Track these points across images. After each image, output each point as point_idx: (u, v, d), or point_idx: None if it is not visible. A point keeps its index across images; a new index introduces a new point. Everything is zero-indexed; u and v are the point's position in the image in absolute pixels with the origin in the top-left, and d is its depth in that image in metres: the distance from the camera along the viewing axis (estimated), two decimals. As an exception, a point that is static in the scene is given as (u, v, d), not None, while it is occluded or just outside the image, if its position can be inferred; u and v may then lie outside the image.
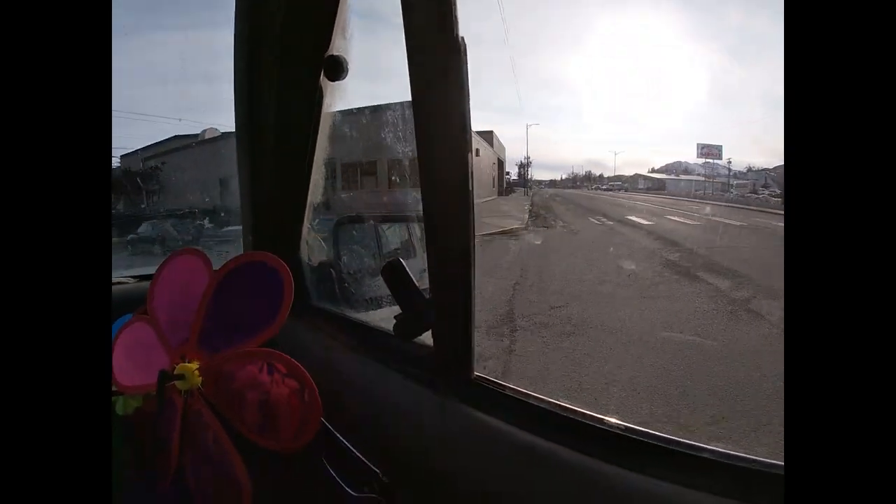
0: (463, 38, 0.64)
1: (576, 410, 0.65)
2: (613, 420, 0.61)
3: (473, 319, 0.72)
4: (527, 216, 12.95)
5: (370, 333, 1.00)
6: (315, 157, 1.01)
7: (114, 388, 0.99)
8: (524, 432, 0.65)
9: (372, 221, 1.55)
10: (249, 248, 1.19)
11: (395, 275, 0.73)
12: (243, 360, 0.86)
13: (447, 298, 0.72)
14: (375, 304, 1.09)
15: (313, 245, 1.16)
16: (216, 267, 0.94)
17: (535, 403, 0.69)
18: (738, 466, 0.50)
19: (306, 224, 1.11)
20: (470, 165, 0.65)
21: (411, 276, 0.74)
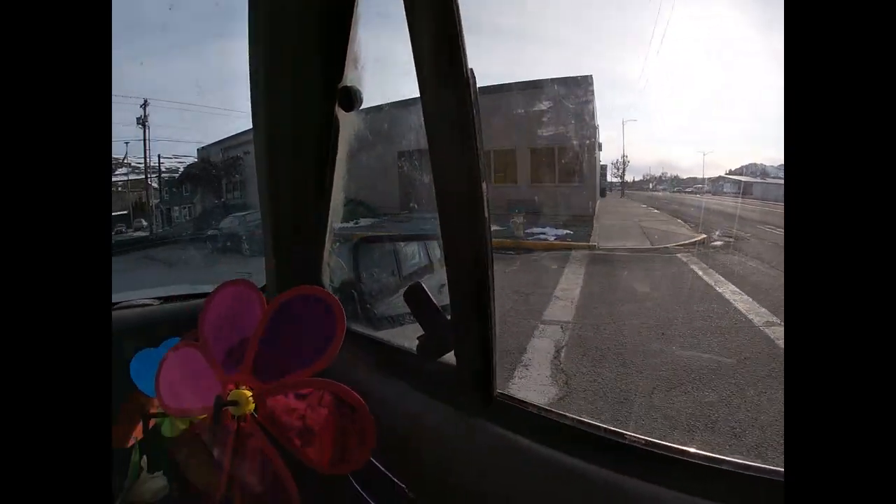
0: (472, 69, 0.67)
1: (597, 426, 0.66)
2: (634, 434, 0.62)
3: (494, 338, 0.73)
4: (681, 221, 11.43)
5: (394, 352, 1.02)
6: (334, 185, 1.04)
7: (160, 410, 1.03)
8: (547, 448, 0.66)
9: (389, 241, 1.58)
10: (272, 272, 1.22)
11: (416, 298, 0.76)
12: (298, 388, 0.89)
13: (467, 319, 0.74)
14: (398, 322, 1.12)
15: (334, 267, 1.18)
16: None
17: (557, 419, 0.70)
18: (760, 478, 0.50)
19: (328, 247, 1.14)
20: (485, 193, 0.67)
21: (432, 298, 0.76)
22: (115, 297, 1.48)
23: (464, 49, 0.66)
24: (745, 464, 0.52)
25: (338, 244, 1.18)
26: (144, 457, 0.90)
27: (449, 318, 0.77)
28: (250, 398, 0.91)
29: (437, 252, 1.70)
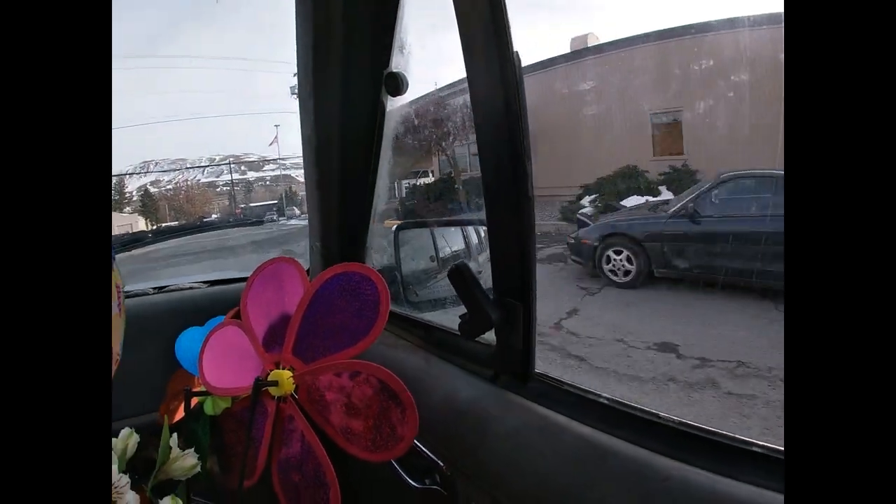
0: (517, 51, 0.68)
1: (633, 406, 0.67)
2: (668, 415, 0.63)
3: (535, 319, 0.75)
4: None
5: (434, 332, 1.04)
6: (379, 168, 1.06)
7: (203, 389, 1.05)
8: (583, 426, 0.67)
9: (428, 226, 1.60)
10: (317, 253, 1.25)
11: (461, 277, 0.77)
12: (339, 369, 0.87)
13: (510, 299, 0.75)
14: (439, 306, 1.13)
15: (376, 249, 1.21)
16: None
17: (594, 399, 0.71)
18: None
19: (371, 229, 1.16)
20: (530, 171, 0.68)
21: (476, 277, 0.78)
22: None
23: (510, 30, 0.67)
24: (777, 448, 0.52)
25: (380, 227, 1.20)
26: (175, 434, 0.91)
27: (491, 297, 0.78)
28: (290, 379, 0.91)
29: (472, 237, 1.73)
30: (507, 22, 0.67)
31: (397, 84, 0.98)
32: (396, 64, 0.98)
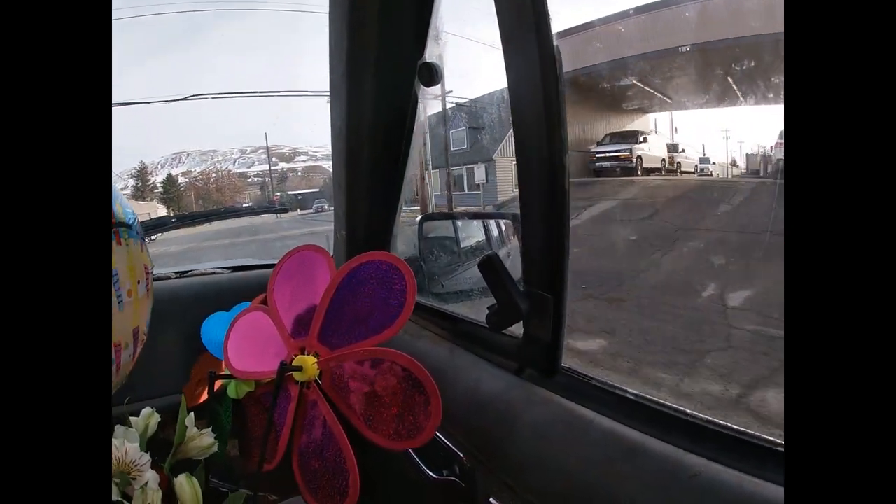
0: (558, 46, 0.68)
1: (660, 402, 0.66)
2: (696, 413, 0.62)
3: (565, 312, 0.75)
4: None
5: (458, 323, 1.04)
6: (409, 158, 1.07)
7: (226, 372, 1.06)
8: (610, 421, 0.67)
9: (452, 218, 1.61)
10: (341, 241, 1.26)
11: (491, 267, 0.77)
12: (363, 357, 0.88)
13: (542, 291, 0.75)
14: (464, 297, 1.13)
15: (401, 239, 1.21)
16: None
17: (621, 394, 0.70)
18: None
19: (398, 220, 1.17)
20: (567, 164, 0.68)
21: (506, 268, 0.78)
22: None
23: (550, 21, 0.67)
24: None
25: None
26: (192, 414, 0.92)
27: (522, 289, 0.78)
28: (315, 365, 0.91)
29: (493, 231, 1.73)
30: (548, 13, 0.67)
31: (431, 74, 0.98)
32: (431, 53, 0.98)
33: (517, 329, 0.82)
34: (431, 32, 0.96)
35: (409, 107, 1.02)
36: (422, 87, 1.01)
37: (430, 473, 0.90)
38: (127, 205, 0.89)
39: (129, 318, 0.86)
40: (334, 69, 1.07)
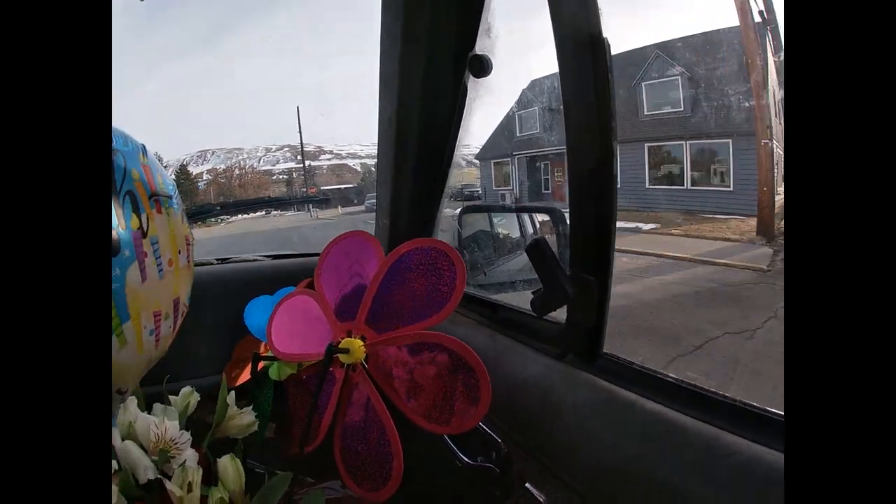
0: (607, 38, 0.70)
1: (700, 385, 0.67)
2: (733, 397, 0.63)
3: (609, 297, 0.76)
4: None
5: (500, 310, 1.05)
6: (455, 149, 1.09)
7: (269, 354, 1.07)
8: (651, 402, 0.68)
9: (489, 211, 1.64)
10: (384, 231, 1.28)
11: (539, 251, 0.79)
12: (411, 340, 0.88)
13: (587, 276, 0.77)
14: (508, 287, 1.13)
15: (444, 230, 1.23)
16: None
17: (662, 378, 0.71)
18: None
19: (441, 212, 1.18)
20: (615, 153, 0.70)
21: (553, 253, 0.79)
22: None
23: (600, 14, 0.69)
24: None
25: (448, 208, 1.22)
26: (232, 392, 0.92)
27: (568, 273, 0.80)
28: (362, 347, 0.91)
29: (528, 226, 1.75)
30: (598, 7, 0.70)
31: (482, 66, 1.00)
32: (483, 47, 1.00)
33: (558, 315, 0.83)
34: (483, 25, 0.98)
35: (459, 98, 1.04)
36: (472, 78, 1.03)
37: (466, 459, 0.90)
38: (168, 176, 0.92)
39: (170, 288, 0.88)
40: (385, 61, 1.09)
